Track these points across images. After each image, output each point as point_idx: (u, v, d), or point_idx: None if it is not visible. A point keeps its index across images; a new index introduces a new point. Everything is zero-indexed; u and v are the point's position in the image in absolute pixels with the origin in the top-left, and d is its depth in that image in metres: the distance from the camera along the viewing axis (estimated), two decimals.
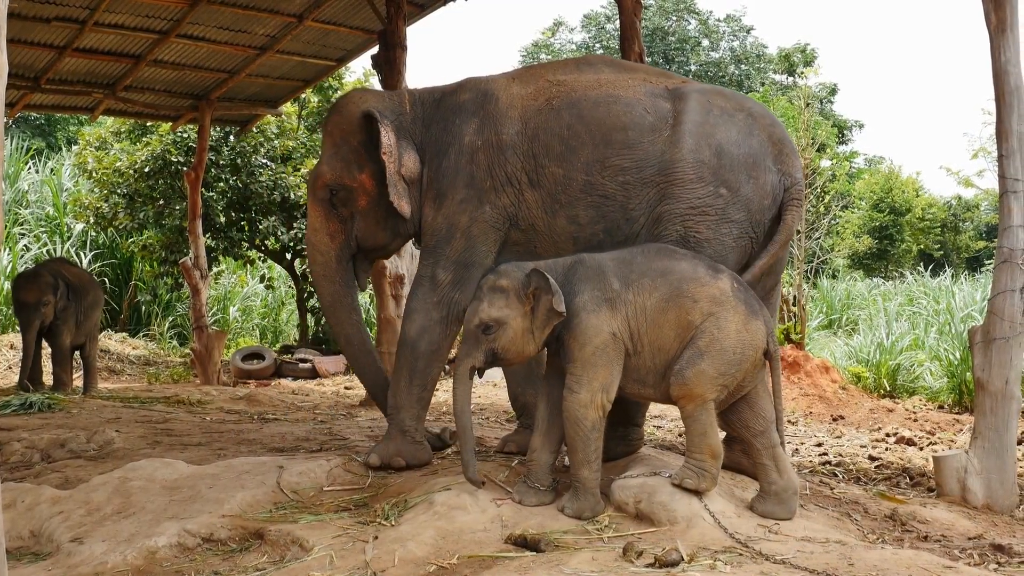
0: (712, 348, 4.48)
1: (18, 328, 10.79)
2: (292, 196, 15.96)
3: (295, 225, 16.03)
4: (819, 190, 14.35)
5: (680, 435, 8.67)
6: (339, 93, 17.03)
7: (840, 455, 7.69)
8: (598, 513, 4.57)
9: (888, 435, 8.98)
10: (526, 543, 4.16)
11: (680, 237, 5.07)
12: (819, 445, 8.30)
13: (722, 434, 4.78)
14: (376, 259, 6.33)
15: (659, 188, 5.13)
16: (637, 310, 4.60)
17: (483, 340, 4.75)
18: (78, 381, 11.19)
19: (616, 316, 4.60)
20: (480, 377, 4.99)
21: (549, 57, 38.69)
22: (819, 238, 14.29)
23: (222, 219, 15.86)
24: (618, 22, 9.53)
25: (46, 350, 11.18)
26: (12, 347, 14.41)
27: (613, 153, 5.18)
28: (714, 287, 4.56)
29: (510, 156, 5.36)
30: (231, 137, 16.18)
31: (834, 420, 10.41)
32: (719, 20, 41.24)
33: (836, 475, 6.55)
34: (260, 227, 16.04)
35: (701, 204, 5.07)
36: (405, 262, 9.94)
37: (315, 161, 16.11)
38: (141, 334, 17.69)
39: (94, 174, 16.21)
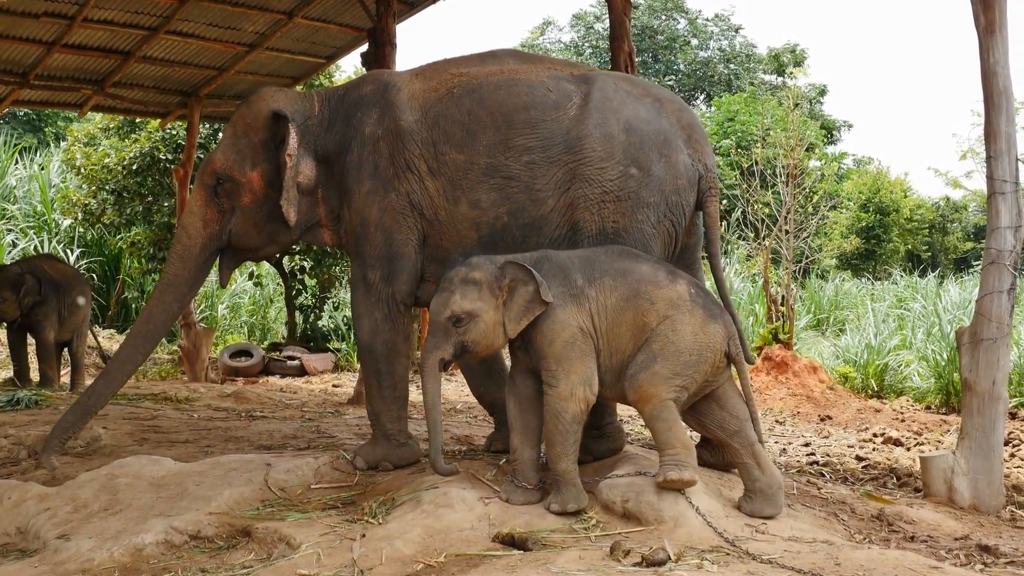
0: (666, 351, 4.49)
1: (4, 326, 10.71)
2: None
3: None
4: (807, 190, 14.35)
5: None
6: None
7: (827, 455, 7.71)
8: (583, 503, 4.58)
9: (875, 435, 9.00)
10: (513, 542, 4.16)
11: (599, 229, 5.04)
12: (806, 445, 8.31)
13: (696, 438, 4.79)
14: (244, 260, 6.21)
15: (567, 167, 5.08)
16: (600, 307, 4.61)
17: (453, 332, 4.75)
18: (65, 378, 11.15)
19: (581, 311, 4.61)
20: (444, 370, 4.98)
21: None
22: (807, 238, 14.30)
23: None
24: (607, 21, 9.54)
25: (32, 346, 11.14)
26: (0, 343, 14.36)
27: (516, 133, 5.15)
28: (671, 290, 4.58)
29: (408, 144, 5.32)
30: (220, 134, 16.13)
31: (821, 420, 10.43)
32: (708, 20, 41.29)
33: (823, 475, 6.56)
34: None
35: (614, 188, 5.03)
36: None
37: None
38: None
39: (82, 170, 16.16)
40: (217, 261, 6.00)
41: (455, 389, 12.31)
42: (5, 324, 10.34)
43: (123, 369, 5.89)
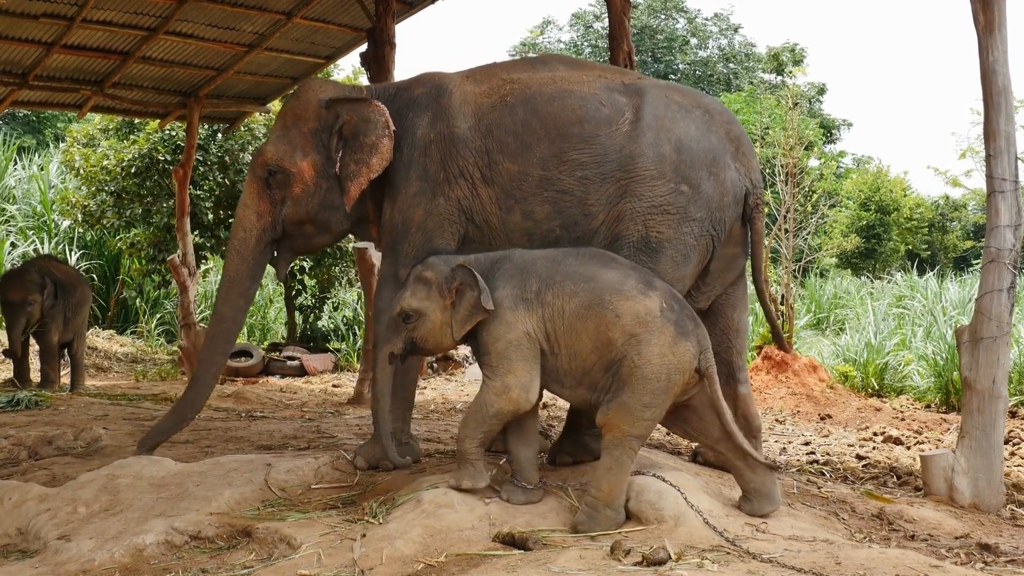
0: (633, 377, 4.40)
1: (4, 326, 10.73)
2: None
3: None
4: (807, 189, 14.35)
5: (668, 433, 8.68)
6: None
7: (828, 454, 7.70)
8: (479, 484, 4.63)
9: (875, 434, 8.99)
10: (514, 541, 4.16)
11: (641, 237, 5.09)
12: (807, 444, 8.31)
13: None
14: (299, 251, 6.26)
15: (619, 184, 5.13)
16: (555, 313, 4.56)
17: (403, 328, 4.82)
18: (65, 378, 11.16)
19: (531, 316, 4.59)
20: (403, 364, 5.04)
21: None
22: (807, 237, 14.30)
23: (210, 217, 15.80)
24: (606, 21, 9.54)
25: (33, 347, 11.15)
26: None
27: (570, 147, 5.18)
28: (640, 304, 4.46)
29: (462, 150, 5.34)
30: (219, 135, 16.14)
31: (821, 419, 10.42)
32: (707, 19, 41.30)
33: (823, 474, 6.55)
34: None
35: (663, 203, 5.09)
36: None
37: None
38: (129, 331, 17.63)
39: (81, 171, 16.14)
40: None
41: (455, 389, 12.32)
42: (24, 327, 10.30)
43: (209, 372, 5.98)
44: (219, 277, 19.29)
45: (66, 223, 17.66)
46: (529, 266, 4.71)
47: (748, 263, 5.60)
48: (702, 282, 5.40)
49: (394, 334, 4.85)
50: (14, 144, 21.76)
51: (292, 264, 16.45)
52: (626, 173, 5.12)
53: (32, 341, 10.82)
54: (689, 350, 4.44)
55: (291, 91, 15.08)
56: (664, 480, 4.62)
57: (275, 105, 14.97)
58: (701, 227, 5.16)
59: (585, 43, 39.42)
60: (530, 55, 38.77)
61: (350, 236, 6.75)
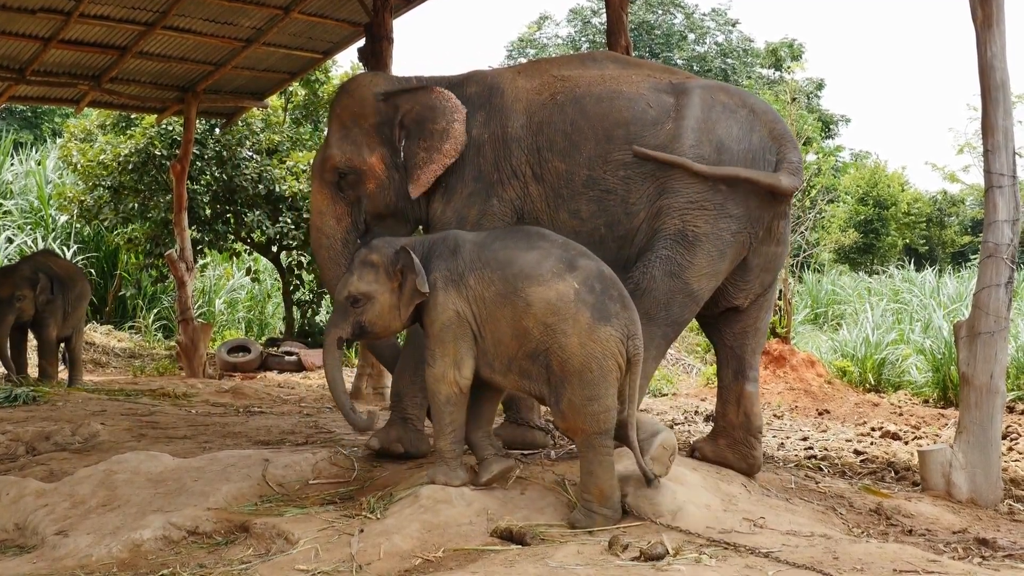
0: (565, 373, 4.37)
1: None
2: (277, 189, 15.87)
3: (280, 218, 15.97)
4: (805, 184, 14.34)
5: (669, 425, 8.68)
6: (325, 86, 17.01)
7: (825, 449, 7.72)
8: (453, 482, 4.61)
9: (873, 429, 9.01)
10: (512, 536, 4.16)
11: (678, 231, 5.13)
12: (804, 439, 8.32)
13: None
14: None
15: (659, 182, 5.17)
16: (477, 297, 4.59)
17: (351, 312, 4.83)
18: (63, 374, 11.15)
19: (460, 296, 4.62)
20: (348, 348, 5.06)
21: (535, 52, 38.67)
22: (805, 232, 14.30)
23: (207, 212, 15.79)
24: (604, 16, 9.54)
25: (31, 342, 11.14)
26: None
27: (615, 148, 5.20)
28: (551, 289, 4.41)
29: (515, 150, 5.37)
30: (216, 130, 16.13)
31: (819, 414, 10.44)
32: (704, 14, 41.24)
33: (821, 469, 6.56)
34: (246, 220, 15.96)
35: (700, 199, 5.13)
36: None
37: (300, 154, 16.11)
38: (126, 327, 17.62)
39: (79, 166, 16.13)
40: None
41: None
42: (12, 323, 10.28)
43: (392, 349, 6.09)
44: (217, 273, 19.42)
45: (63, 218, 17.66)
46: (460, 247, 4.73)
47: None
48: (741, 279, 5.42)
49: (342, 318, 4.86)
50: (10, 139, 21.73)
51: (290, 259, 16.57)
52: (666, 171, 5.15)
53: (30, 336, 10.81)
54: (612, 335, 4.36)
55: (292, 87, 15.14)
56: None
57: (272, 100, 14.97)
58: (739, 224, 5.19)
59: (583, 39, 39.30)
60: (532, 50, 38.80)
61: None
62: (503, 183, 5.39)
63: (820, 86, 36.86)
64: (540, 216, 5.35)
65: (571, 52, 35.44)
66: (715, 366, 5.87)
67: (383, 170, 5.68)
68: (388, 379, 7.95)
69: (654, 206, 5.18)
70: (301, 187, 15.78)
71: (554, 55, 22.81)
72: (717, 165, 5.15)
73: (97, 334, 16.31)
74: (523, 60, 34.17)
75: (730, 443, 5.51)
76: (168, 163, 14.69)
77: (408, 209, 5.73)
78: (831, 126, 35.73)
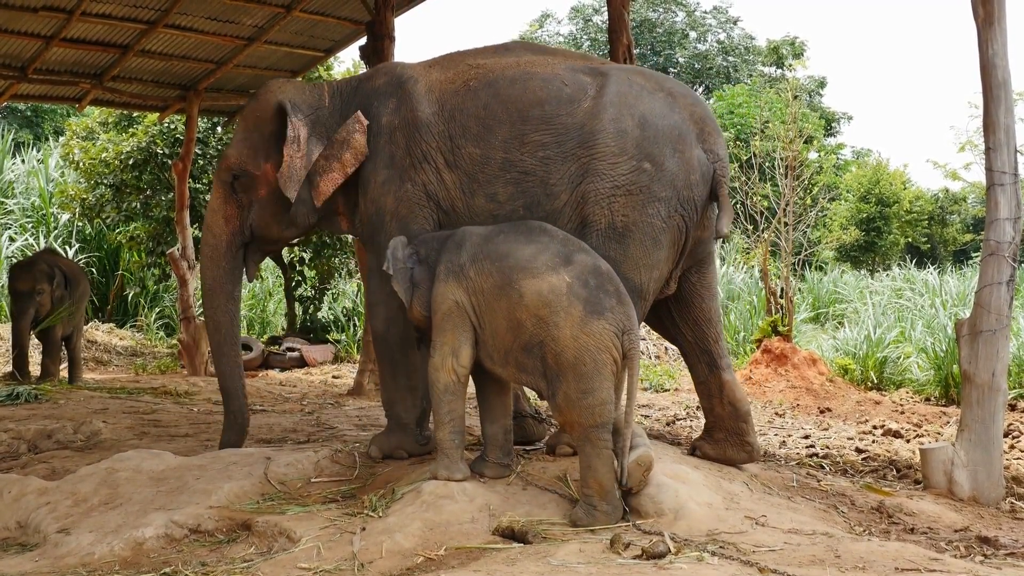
0: (559, 365, 4.39)
1: (7, 318, 10.71)
2: None
3: None
4: (806, 182, 14.33)
5: (668, 424, 8.70)
6: None
7: (827, 447, 7.71)
8: (454, 476, 4.65)
9: (875, 427, 9.00)
10: (513, 534, 4.16)
11: (608, 224, 5.03)
12: (806, 437, 8.31)
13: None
14: (268, 252, 6.30)
15: (580, 162, 5.09)
16: (476, 288, 4.64)
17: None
18: (64, 372, 11.16)
19: (460, 287, 4.67)
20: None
21: None
22: (806, 230, 14.28)
23: None
24: (605, 14, 9.54)
25: (34, 340, 11.16)
26: (0, 337, 14.37)
27: (531, 129, 5.15)
28: (544, 282, 4.44)
29: (425, 135, 5.33)
30: (218, 128, 16.12)
31: (821, 412, 10.42)
32: (706, 12, 41.24)
33: (823, 467, 6.56)
34: None
35: (625, 182, 5.03)
36: None
37: None
38: (128, 325, 17.62)
39: (80, 165, 16.14)
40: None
41: None
42: (31, 317, 10.30)
43: (234, 379, 6.03)
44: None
45: (65, 217, 17.66)
46: (465, 240, 4.79)
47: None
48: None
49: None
50: (12, 137, 21.73)
51: (291, 255, 16.56)
52: (587, 150, 5.08)
53: (32, 336, 10.83)
54: (605, 328, 4.36)
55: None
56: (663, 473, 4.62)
57: None
58: (668, 207, 5.07)
59: (584, 36, 39.33)
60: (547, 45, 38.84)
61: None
62: (415, 167, 5.35)
63: (822, 84, 36.93)
64: (455, 203, 5.31)
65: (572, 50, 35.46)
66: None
67: (275, 179, 5.69)
68: None
69: (578, 190, 5.09)
70: None
71: None
72: (640, 141, 5.04)
73: (99, 332, 16.31)
74: None
75: (725, 435, 5.50)
76: (170, 161, 14.71)
77: (296, 215, 5.73)
78: (833, 124, 35.78)
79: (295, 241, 15.96)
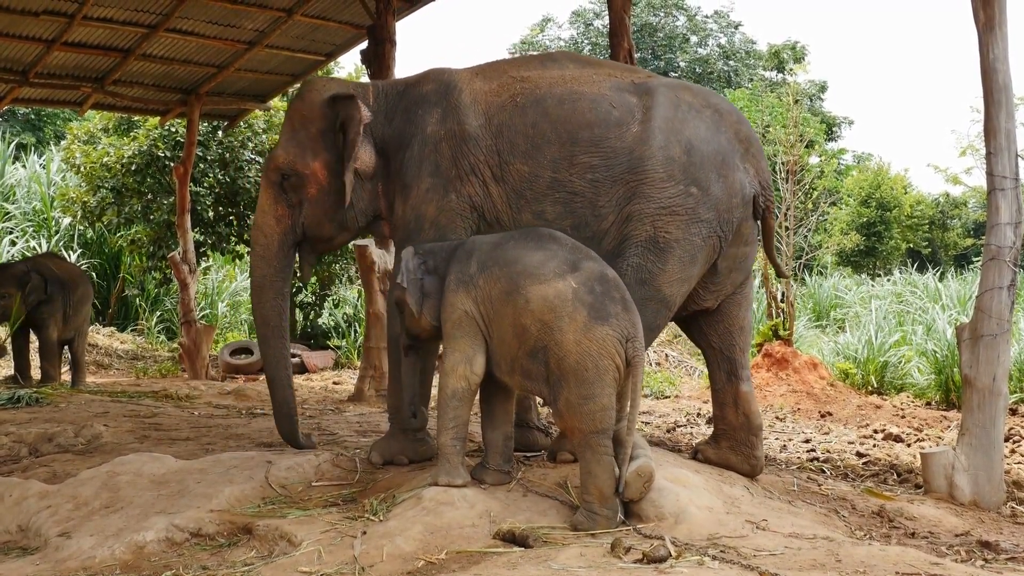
0: (561, 370, 4.38)
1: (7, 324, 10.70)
2: None
3: None
4: (807, 186, 14.35)
5: (668, 431, 8.70)
6: None
7: (828, 451, 7.71)
8: (455, 481, 4.64)
9: (876, 431, 9.00)
10: (514, 539, 4.16)
11: (649, 237, 5.11)
12: (807, 441, 8.31)
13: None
14: (322, 252, 6.31)
15: (629, 185, 5.15)
16: (485, 296, 4.64)
17: (400, 317, 5.00)
18: (66, 376, 11.17)
19: (469, 297, 4.67)
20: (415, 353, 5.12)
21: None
22: (807, 234, 14.29)
23: (210, 214, 15.81)
24: (606, 18, 9.55)
25: (33, 343, 11.16)
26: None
27: (580, 151, 5.19)
28: (551, 287, 4.43)
29: (473, 148, 5.34)
30: (219, 132, 16.14)
31: (822, 417, 10.43)
32: (707, 16, 41.26)
33: (824, 471, 6.56)
34: (248, 222, 15.97)
35: (671, 204, 5.11)
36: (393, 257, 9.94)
37: None
38: (129, 329, 17.65)
39: (82, 169, 16.15)
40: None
41: None
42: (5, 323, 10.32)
43: (280, 372, 5.97)
44: (220, 275, 19.44)
45: (66, 221, 17.68)
46: (475, 249, 4.79)
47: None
48: (711, 281, 5.42)
49: (398, 323, 5.06)
50: (13, 141, 21.76)
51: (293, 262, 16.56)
52: (635, 175, 5.13)
53: (33, 339, 10.84)
54: (609, 335, 4.35)
55: (293, 89, 15.17)
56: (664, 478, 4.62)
57: (275, 103, 14.98)
58: (709, 228, 5.18)
59: (585, 41, 39.35)
60: (534, 52, 38.78)
61: None
62: (461, 179, 5.36)
63: (823, 88, 36.95)
64: (502, 217, 5.34)
65: None
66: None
67: (325, 176, 5.70)
68: None
69: (624, 210, 5.16)
70: None
71: None
72: (687, 167, 5.13)
73: (100, 336, 16.34)
74: None
75: (732, 445, 5.51)
76: (171, 165, 14.72)
77: (346, 217, 5.75)
78: (834, 128, 35.78)
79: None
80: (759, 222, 5.48)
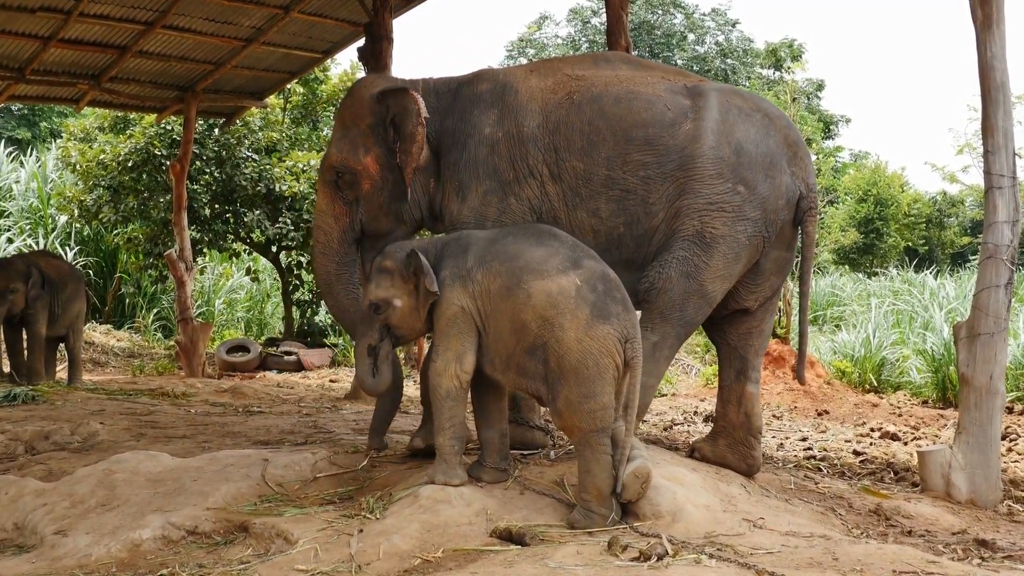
0: (561, 368, 4.37)
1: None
2: (277, 189, 15.84)
3: (279, 218, 15.93)
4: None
5: (665, 429, 8.69)
6: (324, 85, 17.03)
7: (825, 450, 7.72)
8: (453, 481, 4.63)
9: (873, 430, 9.01)
10: (511, 537, 4.16)
11: (696, 232, 5.17)
12: (804, 440, 8.32)
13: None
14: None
15: (679, 183, 5.20)
16: (483, 291, 4.61)
17: (375, 319, 4.88)
18: (62, 373, 11.16)
19: (465, 292, 4.64)
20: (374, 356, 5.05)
21: (534, 52, 38.71)
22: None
23: (207, 212, 15.78)
24: (604, 16, 9.54)
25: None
26: None
27: (634, 149, 5.23)
28: (553, 283, 4.42)
29: (531, 149, 5.36)
30: (216, 129, 16.11)
31: (819, 415, 10.44)
32: (704, 14, 41.22)
33: (821, 470, 6.56)
34: (245, 220, 15.95)
35: (719, 200, 5.17)
36: None
37: (299, 153, 16.14)
38: (126, 326, 17.63)
39: (78, 166, 16.12)
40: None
41: None
42: (4, 315, 10.29)
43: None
44: (217, 272, 19.43)
45: (63, 219, 17.65)
46: (470, 244, 4.78)
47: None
48: (753, 282, 5.45)
49: (369, 326, 4.92)
50: (8, 135, 21.74)
51: (289, 259, 16.56)
52: (685, 172, 5.19)
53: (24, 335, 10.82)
54: (610, 334, 4.35)
55: (290, 86, 15.17)
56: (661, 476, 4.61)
57: (272, 100, 14.96)
58: (755, 227, 5.23)
59: (583, 38, 39.28)
60: (532, 50, 38.77)
61: None
62: (520, 182, 5.38)
63: (820, 87, 36.90)
64: (558, 215, 5.35)
65: (571, 52, 35.44)
66: (715, 366, 5.86)
67: (377, 171, 5.68)
68: None
69: (673, 206, 5.21)
70: (301, 187, 15.78)
71: (555, 55, 22.66)
72: (735, 167, 5.19)
73: (96, 334, 16.32)
74: (523, 60, 34.18)
75: (730, 443, 5.51)
76: (167, 163, 14.68)
77: (402, 210, 5.73)
78: (831, 127, 35.75)
79: (292, 244, 16.03)
80: (798, 228, 5.47)
